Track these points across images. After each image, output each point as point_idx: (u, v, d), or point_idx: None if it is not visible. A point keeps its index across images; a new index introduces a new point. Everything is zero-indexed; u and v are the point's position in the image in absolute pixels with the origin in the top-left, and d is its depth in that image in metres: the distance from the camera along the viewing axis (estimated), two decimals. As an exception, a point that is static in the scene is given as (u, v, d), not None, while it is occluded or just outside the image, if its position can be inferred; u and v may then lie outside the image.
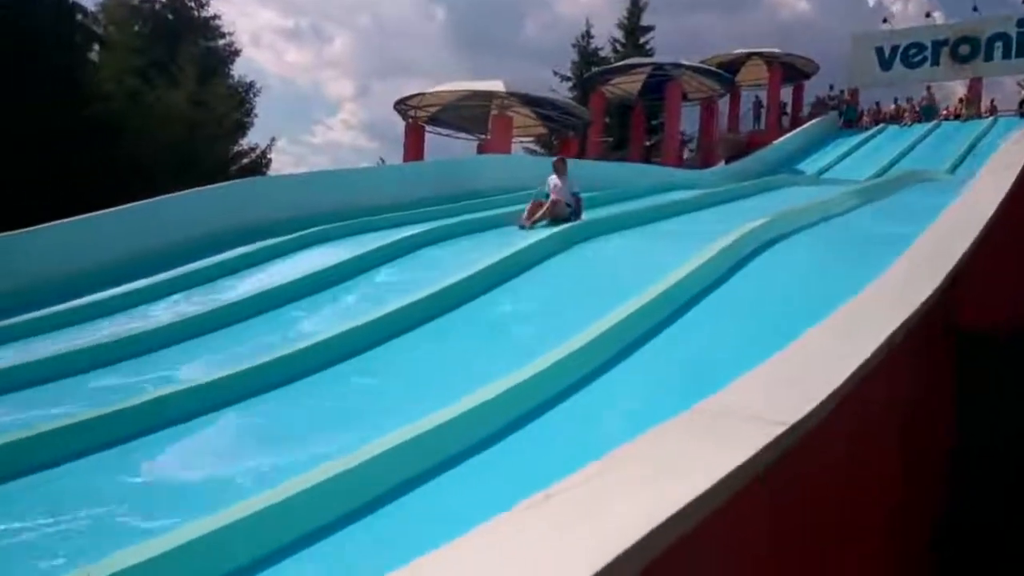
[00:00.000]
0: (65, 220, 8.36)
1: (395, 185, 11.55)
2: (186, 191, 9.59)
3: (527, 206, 9.05)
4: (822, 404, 2.17)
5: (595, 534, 1.41)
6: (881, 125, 24.50)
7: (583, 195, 9.29)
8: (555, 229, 7.97)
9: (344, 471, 3.05)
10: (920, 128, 23.34)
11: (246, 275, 7.72)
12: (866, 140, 23.18)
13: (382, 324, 5.38)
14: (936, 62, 24.75)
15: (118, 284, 7.44)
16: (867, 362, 2.49)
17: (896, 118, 24.66)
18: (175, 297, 7.18)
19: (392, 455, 3.20)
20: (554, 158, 9.59)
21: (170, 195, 9.35)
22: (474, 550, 1.38)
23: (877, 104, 25.59)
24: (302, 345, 4.97)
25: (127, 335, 5.74)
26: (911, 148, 21.32)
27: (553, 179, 9.17)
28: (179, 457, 3.76)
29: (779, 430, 1.95)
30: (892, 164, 19.59)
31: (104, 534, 2.98)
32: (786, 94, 27.93)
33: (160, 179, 16.07)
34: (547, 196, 9.00)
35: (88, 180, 16.87)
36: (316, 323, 5.93)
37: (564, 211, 8.88)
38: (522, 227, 8.67)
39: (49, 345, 5.79)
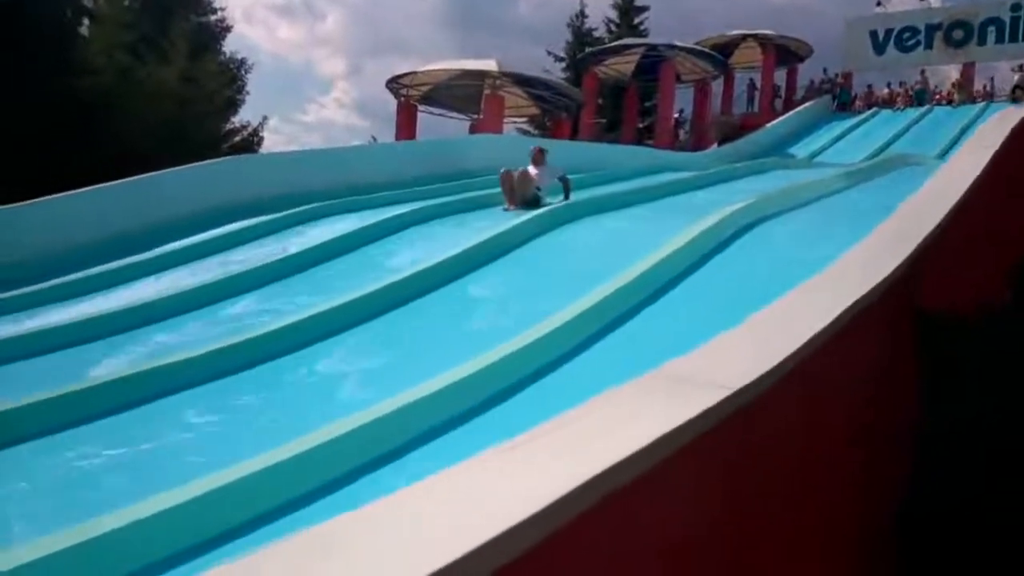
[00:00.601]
0: (64, 194, 8.44)
1: (387, 163, 11.60)
2: (176, 168, 9.64)
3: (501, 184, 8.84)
4: (769, 372, 2.29)
5: (560, 470, 1.54)
6: (874, 109, 24.56)
7: (570, 177, 9.26)
8: (536, 212, 7.90)
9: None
10: (913, 112, 23.39)
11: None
12: (859, 124, 23.24)
13: (361, 303, 5.46)
14: (930, 46, 24.78)
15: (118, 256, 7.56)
16: (818, 336, 2.60)
17: (889, 102, 24.72)
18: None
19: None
20: (534, 148, 9.28)
21: (159, 172, 9.39)
22: (456, 482, 1.51)
23: (869, 87, 25.64)
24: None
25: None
26: (903, 132, 21.41)
27: (531, 169, 8.94)
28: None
29: (724, 393, 2.08)
30: (884, 148, 19.69)
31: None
32: (780, 77, 27.94)
33: (151, 155, 16.06)
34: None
35: (78, 154, 16.85)
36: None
37: (531, 192, 8.66)
38: (506, 210, 8.55)
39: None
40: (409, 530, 1.32)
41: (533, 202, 8.60)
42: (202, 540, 2.68)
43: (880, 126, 22.70)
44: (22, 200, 8.26)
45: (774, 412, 2.49)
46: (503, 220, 7.57)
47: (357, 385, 4.29)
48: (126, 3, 23.51)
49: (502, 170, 8.82)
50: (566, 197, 8.86)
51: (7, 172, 15.49)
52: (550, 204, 8.55)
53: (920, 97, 24.31)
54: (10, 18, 17.02)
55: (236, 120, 26.39)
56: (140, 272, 7.25)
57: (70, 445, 3.61)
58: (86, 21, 22.22)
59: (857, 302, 2.96)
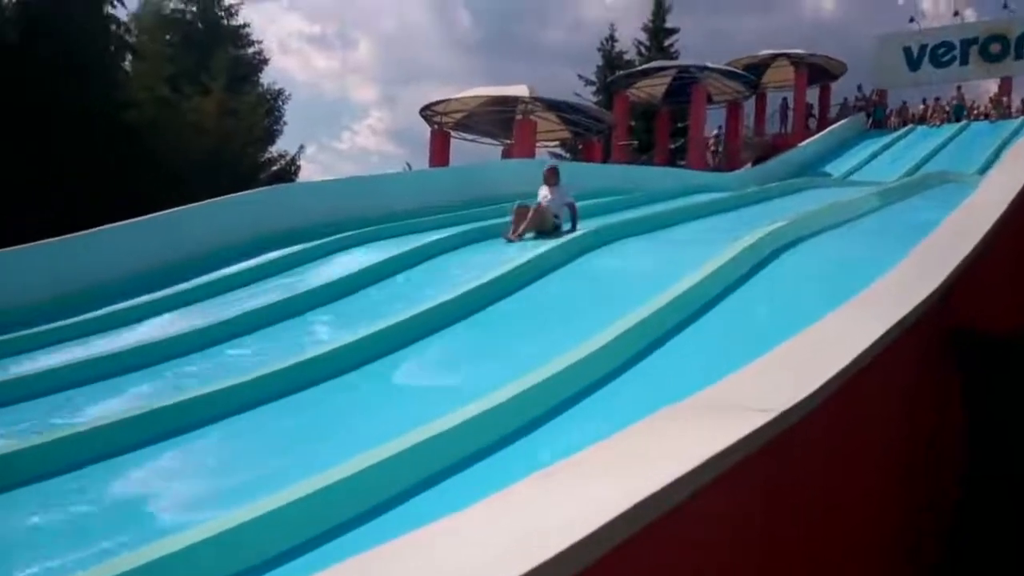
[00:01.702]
0: (113, 225, 8.81)
1: (419, 190, 11.75)
2: (219, 198, 9.95)
3: (512, 216, 8.43)
4: (810, 396, 2.30)
5: (603, 497, 1.56)
6: (909, 126, 24.31)
7: (604, 199, 9.24)
8: (561, 240, 7.79)
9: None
10: (949, 128, 23.12)
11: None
12: (894, 141, 23.01)
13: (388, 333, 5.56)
14: (965, 61, 24.53)
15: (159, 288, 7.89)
16: (857, 359, 2.60)
17: (925, 118, 24.44)
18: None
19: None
20: (546, 169, 9.00)
21: (202, 203, 9.70)
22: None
23: (904, 104, 25.37)
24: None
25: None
26: (940, 149, 21.15)
27: (543, 191, 8.71)
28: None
29: (766, 418, 2.09)
30: (920, 165, 19.46)
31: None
32: (813, 95, 27.78)
33: (192, 186, 16.47)
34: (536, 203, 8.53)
35: (122, 184, 17.32)
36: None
37: (549, 222, 8.37)
38: (509, 241, 8.14)
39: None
40: (460, 551, 1.35)
41: (552, 231, 8.34)
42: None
43: (916, 143, 22.45)
44: (72, 230, 8.59)
45: (814, 436, 2.49)
46: (531, 248, 7.57)
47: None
48: (167, 37, 24.22)
49: (517, 203, 8.49)
50: (573, 227, 8.40)
51: (58, 200, 16.05)
52: (568, 232, 8.28)
53: (958, 112, 24.01)
54: (56, 54, 17.61)
55: (274, 149, 26.98)
56: (210, 292, 7.73)
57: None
58: (129, 56, 22.91)
59: (897, 324, 2.95)
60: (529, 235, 8.26)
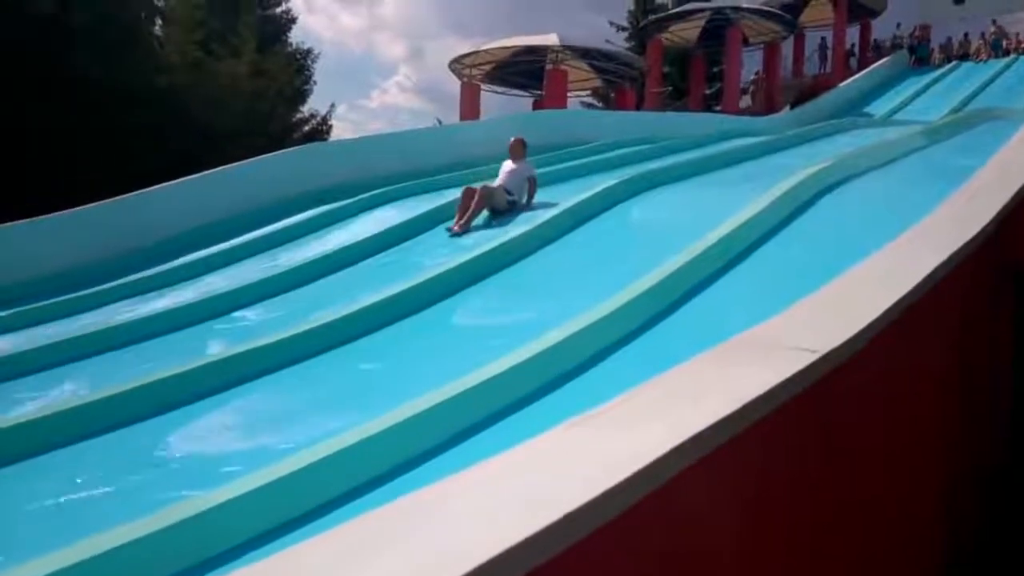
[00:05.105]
0: (164, 185, 9.20)
1: (451, 145, 11.70)
2: (262, 156, 10.19)
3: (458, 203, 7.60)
4: (858, 335, 2.27)
5: (650, 437, 1.57)
6: (954, 62, 23.47)
7: (623, 150, 8.92)
8: (598, 188, 7.58)
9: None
10: (996, 64, 22.29)
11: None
12: (938, 79, 22.26)
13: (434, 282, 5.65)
14: (1014, -8, 23.51)
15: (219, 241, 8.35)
16: (906, 296, 2.55)
17: (969, 54, 23.58)
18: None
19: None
20: (513, 140, 8.28)
21: (245, 161, 9.96)
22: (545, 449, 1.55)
23: (950, 39, 24.46)
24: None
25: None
26: (986, 85, 20.42)
27: (508, 164, 8.04)
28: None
29: (812, 357, 2.07)
30: (966, 102, 18.83)
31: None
32: (853, 34, 26.92)
33: (229, 147, 16.61)
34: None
35: (157, 149, 17.51)
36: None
37: (502, 201, 7.66)
38: (453, 234, 7.26)
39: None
40: (506, 490, 1.37)
41: (505, 210, 7.66)
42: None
43: (962, 80, 21.70)
44: (114, 194, 8.91)
45: (863, 376, 2.46)
46: (571, 196, 7.50)
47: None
48: (195, 1, 24.20)
49: (463, 190, 7.58)
50: (529, 201, 7.84)
51: (95, 167, 16.34)
52: (525, 205, 7.81)
53: (996, 47, 23.12)
54: (88, 23, 17.71)
55: (305, 109, 26.98)
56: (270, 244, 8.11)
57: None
58: (159, 21, 22.96)
59: (948, 259, 2.88)
60: (479, 220, 7.55)
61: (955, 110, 17.61)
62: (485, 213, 7.65)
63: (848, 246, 3.99)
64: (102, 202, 8.67)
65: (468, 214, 7.36)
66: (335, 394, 4.14)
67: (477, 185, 7.58)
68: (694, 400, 1.84)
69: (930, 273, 2.72)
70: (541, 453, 1.57)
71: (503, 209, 7.64)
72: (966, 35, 24.23)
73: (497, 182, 7.80)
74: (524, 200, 7.83)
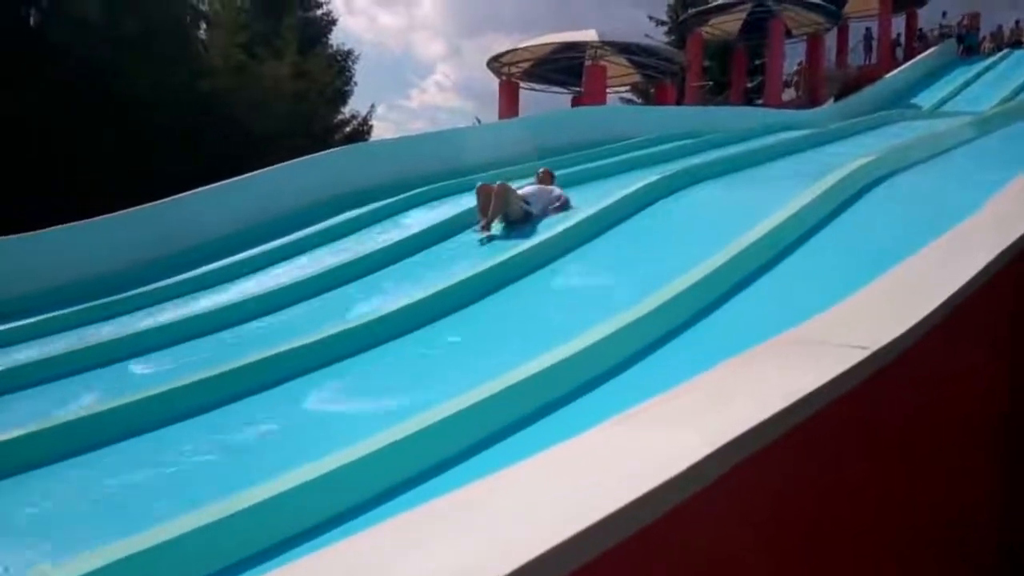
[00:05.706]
0: (213, 185, 9.62)
1: (492, 144, 11.75)
2: (308, 156, 10.53)
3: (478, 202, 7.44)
4: (908, 332, 2.23)
5: (692, 436, 1.56)
6: (1005, 50, 22.82)
7: (655, 148, 8.76)
8: (648, 180, 7.58)
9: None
10: (1050, 51, 21.65)
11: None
12: (988, 68, 21.66)
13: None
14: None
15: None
16: (958, 293, 2.50)
17: (1022, 42, 22.91)
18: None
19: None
20: (541, 171, 8.21)
21: (294, 161, 10.31)
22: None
23: (1000, 27, 23.80)
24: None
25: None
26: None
27: (532, 187, 7.80)
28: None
29: (862, 355, 2.04)
30: (1018, 91, 18.32)
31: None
32: (898, 24, 26.33)
33: (269, 149, 16.88)
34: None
35: (208, 153, 17.87)
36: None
37: (518, 209, 7.30)
38: (482, 240, 7.08)
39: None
40: (555, 488, 1.38)
41: (522, 219, 7.30)
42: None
43: (1013, 68, 21.09)
44: (161, 197, 9.24)
45: (912, 374, 2.42)
46: (613, 193, 7.47)
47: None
48: (238, 3, 24.61)
49: (478, 187, 7.45)
50: (561, 208, 7.52)
51: (143, 167, 16.81)
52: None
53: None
54: (135, 29, 18.13)
55: (346, 110, 27.25)
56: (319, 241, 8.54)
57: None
58: (203, 25, 23.39)
59: (999, 256, 2.82)
60: (497, 225, 7.30)
61: (1006, 100, 17.15)
62: (499, 223, 7.36)
63: (896, 242, 3.91)
64: (156, 203, 9.06)
65: (490, 216, 7.20)
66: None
67: (494, 185, 7.34)
68: (743, 397, 1.83)
69: (981, 270, 2.66)
70: (586, 450, 1.58)
71: (517, 218, 7.32)
72: (1017, 22, 23.54)
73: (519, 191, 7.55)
74: (540, 212, 7.42)
